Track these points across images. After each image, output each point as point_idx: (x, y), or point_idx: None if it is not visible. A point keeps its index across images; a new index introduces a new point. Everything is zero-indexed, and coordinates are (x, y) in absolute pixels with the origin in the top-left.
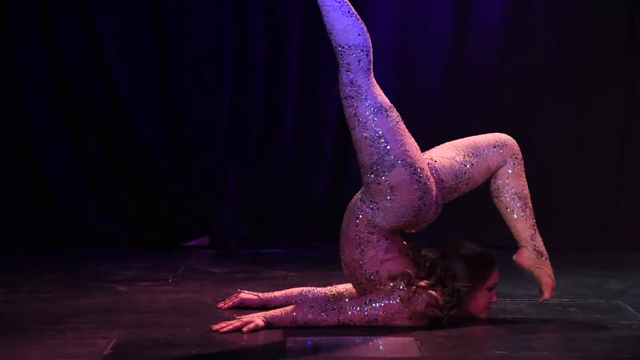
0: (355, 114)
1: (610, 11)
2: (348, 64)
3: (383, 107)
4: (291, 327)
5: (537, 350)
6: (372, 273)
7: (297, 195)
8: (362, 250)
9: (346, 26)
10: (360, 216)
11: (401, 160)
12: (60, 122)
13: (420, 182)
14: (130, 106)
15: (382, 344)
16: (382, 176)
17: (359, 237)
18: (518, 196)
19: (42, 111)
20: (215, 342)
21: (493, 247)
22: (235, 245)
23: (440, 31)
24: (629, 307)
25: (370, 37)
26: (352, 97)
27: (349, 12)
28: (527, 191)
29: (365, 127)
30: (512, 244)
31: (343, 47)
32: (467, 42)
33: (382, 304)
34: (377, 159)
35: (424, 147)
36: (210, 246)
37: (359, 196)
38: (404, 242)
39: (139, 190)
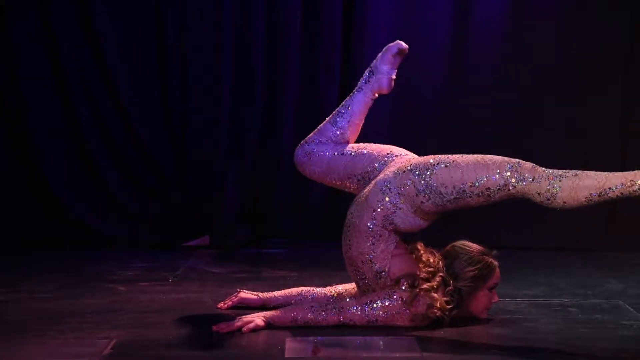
0: (487, 187)
1: (610, 10)
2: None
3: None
4: (291, 327)
5: (537, 350)
6: (383, 270)
7: (297, 195)
8: (373, 244)
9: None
10: (379, 209)
11: (442, 209)
12: (60, 122)
13: (438, 215)
14: (130, 106)
15: (382, 344)
16: (424, 196)
17: (372, 230)
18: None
19: (42, 111)
20: (215, 342)
21: (494, 247)
22: (235, 245)
23: (439, 31)
24: (629, 307)
25: (370, 38)
26: (501, 189)
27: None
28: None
29: (480, 195)
30: (512, 244)
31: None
32: (467, 43)
33: (383, 305)
34: (440, 192)
35: (425, 147)
36: (210, 246)
37: (380, 189)
38: (407, 243)
39: (139, 190)
